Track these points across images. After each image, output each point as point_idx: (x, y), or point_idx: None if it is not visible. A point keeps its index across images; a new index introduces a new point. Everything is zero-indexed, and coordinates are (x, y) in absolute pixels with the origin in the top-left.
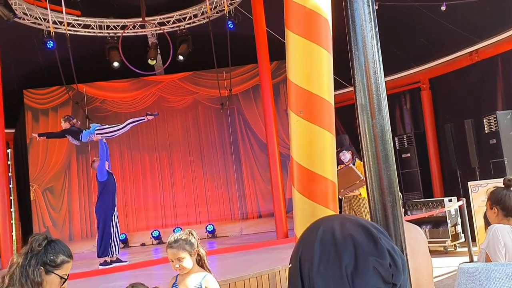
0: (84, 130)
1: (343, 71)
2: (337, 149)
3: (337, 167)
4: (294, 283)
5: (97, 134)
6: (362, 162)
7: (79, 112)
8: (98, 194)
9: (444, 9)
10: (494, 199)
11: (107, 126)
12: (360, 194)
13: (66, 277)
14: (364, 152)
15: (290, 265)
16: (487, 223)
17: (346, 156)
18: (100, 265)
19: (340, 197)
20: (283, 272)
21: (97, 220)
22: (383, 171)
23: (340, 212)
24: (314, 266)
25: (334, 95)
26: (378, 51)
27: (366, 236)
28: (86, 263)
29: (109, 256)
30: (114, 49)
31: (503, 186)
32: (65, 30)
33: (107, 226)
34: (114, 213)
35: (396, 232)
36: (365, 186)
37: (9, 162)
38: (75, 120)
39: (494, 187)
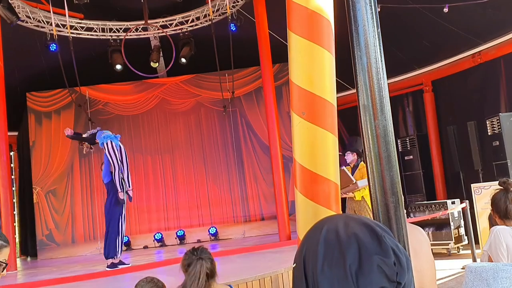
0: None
1: (346, 73)
2: (348, 150)
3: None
4: (298, 282)
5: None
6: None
7: (81, 114)
8: (107, 195)
9: (447, 11)
10: (491, 202)
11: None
12: (354, 197)
13: (5, 262)
14: (367, 153)
15: (294, 264)
16: (492, 225)
17: (349, 157)
18: (107, 267)
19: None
20: (286, 274)
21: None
22: (385, 172)
23: (344, 212)
24: (318, 265)
25: (337, 97)
26: (380, 52)
27: (370, 235)
28: (89, 265)
29: (115, 258)
30: (117, 51)
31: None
32: (68, 33)
33: (111, 226)
34: (122, 214)
35: (399, 232)
36: (362, 190)
37: (12, 165)
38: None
39: (496, 190)
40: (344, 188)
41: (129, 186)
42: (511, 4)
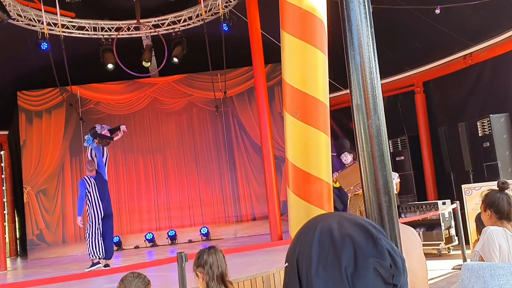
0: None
1: (338, 74)
2: (337, 152)
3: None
4: (291, 283)
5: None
6: None
7: (73, 114)
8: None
9: (439, 12)
10: (488, 202)
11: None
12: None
13: None
14: (360, 152)
15: (286, 264)
16: (479, 226)
17: (348, 157)
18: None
19: (349, 195)
20: (277, 274)
21: None
22: (378, 171)
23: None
24: (313, 267)
25: (329, 98)
26: (374, 52)
27: (365, 237)
28: (79, 265)
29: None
30: (109, 51)
31: (498, 188)
32: (59, 31)
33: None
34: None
35: (391, 232)
36: None
37: (2, 164)
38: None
39: (488, 190)
40: (357, 184)
41: None
42: (502, 6)
